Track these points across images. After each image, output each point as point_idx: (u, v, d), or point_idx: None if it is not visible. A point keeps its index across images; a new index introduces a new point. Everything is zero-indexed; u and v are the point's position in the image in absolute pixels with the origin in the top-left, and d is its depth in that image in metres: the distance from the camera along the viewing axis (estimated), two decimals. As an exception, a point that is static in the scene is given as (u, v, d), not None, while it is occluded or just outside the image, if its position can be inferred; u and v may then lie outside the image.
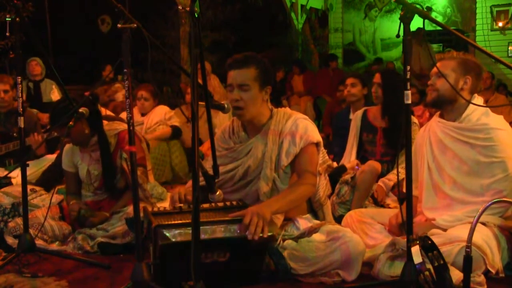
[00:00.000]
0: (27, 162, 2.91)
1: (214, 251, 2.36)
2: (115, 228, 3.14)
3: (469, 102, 2.71)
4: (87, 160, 3.39)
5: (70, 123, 3.02)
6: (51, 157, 4.48)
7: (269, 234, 2.36)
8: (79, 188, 3.47)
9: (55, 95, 6.57)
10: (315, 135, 2.75)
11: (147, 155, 3.60)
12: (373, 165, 3.69)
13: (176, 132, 5.36)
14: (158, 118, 5.39)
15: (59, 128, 3.20)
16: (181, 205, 2.57)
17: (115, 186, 3.34)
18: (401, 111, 3.83)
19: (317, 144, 2.77)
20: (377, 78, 4.04)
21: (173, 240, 2.29)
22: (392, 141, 3.87)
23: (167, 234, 2.30)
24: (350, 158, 3.96)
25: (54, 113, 3.27)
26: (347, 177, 3.72)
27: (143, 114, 5.44)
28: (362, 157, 4.00)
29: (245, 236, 2.31)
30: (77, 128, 3.19)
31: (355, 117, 4.08)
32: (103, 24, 9.83)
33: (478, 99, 2.77)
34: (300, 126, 2.73)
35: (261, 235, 2.31)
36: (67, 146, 3.46)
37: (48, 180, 3.97)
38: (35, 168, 4.30)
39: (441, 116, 2.86)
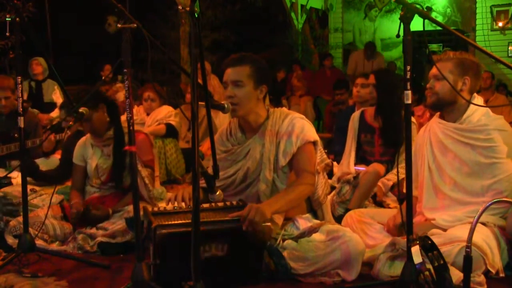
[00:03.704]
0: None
1: (212, 243, 2.36)
2: (115, 227, 3.14)
3: (469, 102, 2.71)
4: (98, 155, 3.42)
5: (70, 123, 3.03)
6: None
7: (266, 223, 2.37)
8: (83, 184, 3.50)
9: (57, 95, 6.56)
10: (312, 134, 2.75)
11: (156, 160, 3.65)
12: (377, 168, 3.70)
13: (170, 130, 5.33)
14: (160, 117, 5.39)
15: (70, 115, 3.27)
16: (181, 204, 2.58)
17: (122, 182, 3.35)
18: (395, 110, 3.90)
19: (314, 143, 2.77)
20: (371, 79, 4.03)
21: (172, 230, 2.31)
22: (388, 141, 3.87)
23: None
24: (349, 159, 3.95)
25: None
26: (349, 176, 3.72)
27: (148, 114, 5.47)
28: (361, 157, 4.00)
29: (240, 221, 2.35)
30: (98, 115, 3.29)
31: (353, 119, 4.07)
32: (105, 24, 9.87)
33: (478, 99, 2.76)
34: (297, 125, 2.74)
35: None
36: (81, 140, 3.52)
37: (53, 176, 3.94)
38: (46, 168, 4.30)
39: (442, 117, 2.85)
